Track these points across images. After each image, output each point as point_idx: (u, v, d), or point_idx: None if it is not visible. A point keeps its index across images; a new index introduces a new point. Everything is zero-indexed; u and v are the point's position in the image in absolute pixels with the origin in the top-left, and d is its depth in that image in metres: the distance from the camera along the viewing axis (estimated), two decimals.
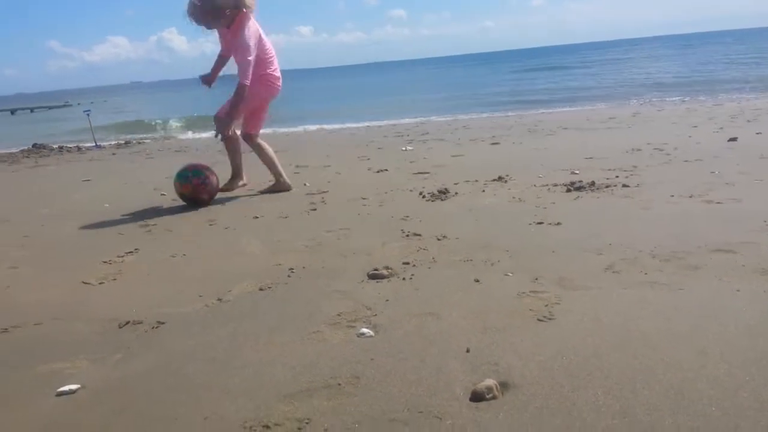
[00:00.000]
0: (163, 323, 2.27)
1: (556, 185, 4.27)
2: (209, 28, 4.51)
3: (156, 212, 4.42)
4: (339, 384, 1.71)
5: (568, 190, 4.06)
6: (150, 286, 2.75)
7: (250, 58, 4.35)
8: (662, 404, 1.51)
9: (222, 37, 4.64)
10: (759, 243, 2.62)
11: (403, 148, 7.50)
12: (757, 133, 6.34)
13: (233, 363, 1.88)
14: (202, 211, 4.34)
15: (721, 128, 7.07)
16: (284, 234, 3.48)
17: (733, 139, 5.92)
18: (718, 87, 16.81)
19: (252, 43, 4.35)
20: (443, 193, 4.28)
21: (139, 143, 12.28)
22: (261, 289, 2.55)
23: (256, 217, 3.98)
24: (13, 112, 46.16)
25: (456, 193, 4.27)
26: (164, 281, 2.81)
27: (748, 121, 7.76)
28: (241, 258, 3.08)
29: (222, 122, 4.58)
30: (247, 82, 4.37)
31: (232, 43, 4.45)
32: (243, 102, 4.46)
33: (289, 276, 2.70)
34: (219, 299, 2.48)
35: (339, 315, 2.19)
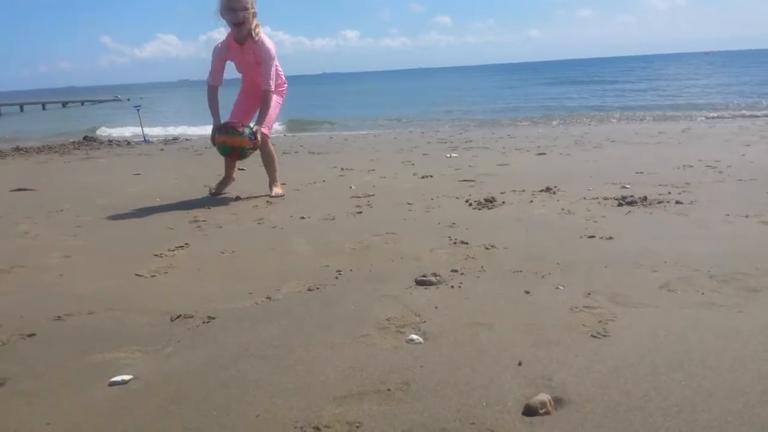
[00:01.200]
0: (213, 318, 2.29)
1: (606, 199, 4.19)
2: (239, 22, 4.55)
3: (205, 209, 4.48)
4: (389, 389, 1.70)
5: (620, 204, 3.98)
6: (200, 281, 2.78)
7: (275, 65, 4.66)
8: (723, 430, 1.45)
9: (232, 54, 4.75)
10: None
11: (448, 155, 7.48)
12: None
13: (285, 361, 1.89)
14: (251, 209, 4.39)
15: None
16: (331, 236, 3.49)
17: None
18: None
19: (274, 51, 4.67)
20: (490, 202, 4.25)
21: (187, 140, 12.51)
22: (309, 290, 2.56)
23: (303, 218, 4.00)
24: (64, 104, 47.63)
25: (503, 203, 4.23)
26: (214, 277, 2.85)
27: None
28: (289, 257, 3.10)
29: (262, 135, 4.75)
30: (272, 89, 4.67)
31: (255, 54, 4.65)
32: (271, 109, 4.77)
33: (336, 278, 2.70)
34: (268, 297, 2.49)
35: (388, 320, 2.18)
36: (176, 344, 2.07)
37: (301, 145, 9.90)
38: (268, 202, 4.67)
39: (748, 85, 25.74)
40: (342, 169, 6.42)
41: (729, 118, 13.60)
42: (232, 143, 4.68)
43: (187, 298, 2.53)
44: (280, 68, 4.86)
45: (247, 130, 4.68)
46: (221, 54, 4.76)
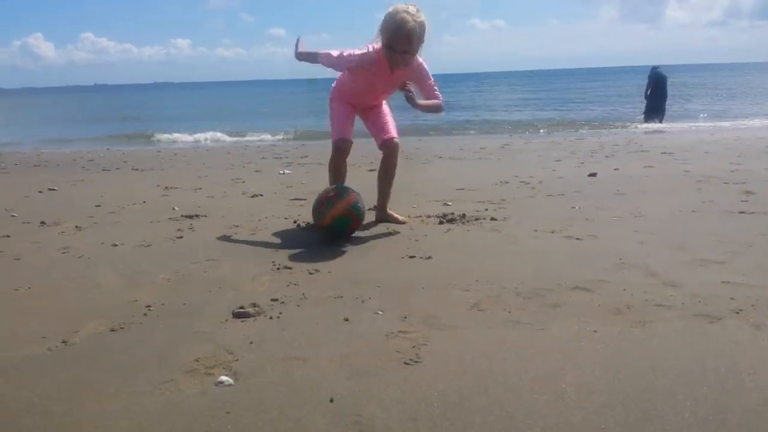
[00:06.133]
0: None
1: (429, 216, 4.33)
2: (404, 63, 3.76)
3: (5, 237, 3.99)
4: None
5: (441, 222, 4.13)
6: None
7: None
8: None
9: (377, 74, 3.90)
10: (613, 282, 2.75)
11: (281, 172, 7.38)
12: (615, 169, 6.82)
13: (70, 418, 1.69)
14: (56, 237, 3.98)
15: (582, 163, 7.55)
16: (145, 265, 3.25)
17: (593, 175, 6.33)
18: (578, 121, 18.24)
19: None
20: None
21: None
22: (112, 330, 2.34)
23: (115, 245, 3.70)
24: None
25: None
26: (4, 319, 2.51)
27: (607, 156, 8.36)
28: (93, 292, 2.83)
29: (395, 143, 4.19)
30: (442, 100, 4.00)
31: (406, 78, 3.81)
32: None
33: (145, 314, 2.50)
34: (64, 341, 2.24)
35: (197, 360, 2.04)
36: None
37: (125, 161, 9.29)
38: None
39: (561, 98, 28.38)
40: (166, 188, 6.07)
41: (543, 133, 14.86)
42: (354, 223, 3.79)
43: None
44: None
45: (360, 207, 3.79)
46: (364, 65, 3.85)
